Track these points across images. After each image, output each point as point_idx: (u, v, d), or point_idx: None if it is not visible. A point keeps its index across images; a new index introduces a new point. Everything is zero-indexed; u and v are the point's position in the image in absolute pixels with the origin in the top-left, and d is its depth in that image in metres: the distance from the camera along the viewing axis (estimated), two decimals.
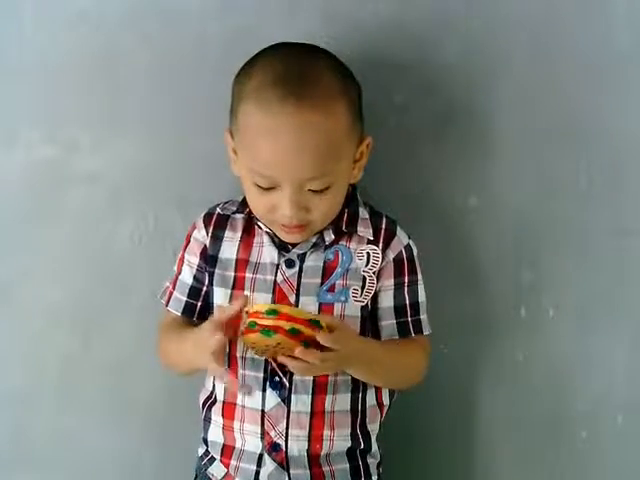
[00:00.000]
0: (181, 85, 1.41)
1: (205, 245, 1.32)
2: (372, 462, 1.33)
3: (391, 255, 1.30)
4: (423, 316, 1.32)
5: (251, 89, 1.20)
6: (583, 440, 1.51)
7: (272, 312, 1.14)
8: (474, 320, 1.48)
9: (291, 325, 1.13)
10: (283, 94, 1.17)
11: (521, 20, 1.40)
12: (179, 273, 1.35)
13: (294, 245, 1.28)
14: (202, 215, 1.34)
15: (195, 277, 1.33)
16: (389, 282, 1.30)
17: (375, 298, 1.30)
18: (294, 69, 1.19)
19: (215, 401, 1.31)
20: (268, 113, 1.18)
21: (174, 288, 1.35)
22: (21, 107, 1.42)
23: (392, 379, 1.32)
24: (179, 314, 1.34)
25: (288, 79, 1.18)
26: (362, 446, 1.31)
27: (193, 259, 1.33)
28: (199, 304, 1.34)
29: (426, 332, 1.32)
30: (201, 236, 1.33)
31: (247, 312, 1.16)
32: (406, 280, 1.30)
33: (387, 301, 1.30)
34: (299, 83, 1.18)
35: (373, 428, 1.32)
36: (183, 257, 1.35)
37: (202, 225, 1.33)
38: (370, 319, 1.30)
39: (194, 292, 1.34)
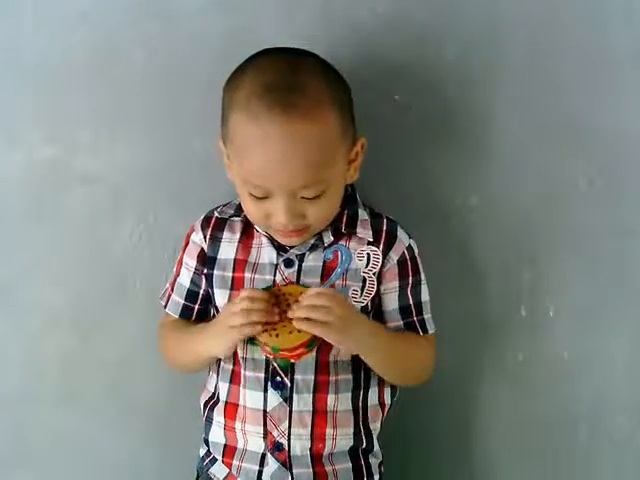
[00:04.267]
0: (181, 85, 1.41)
1: (202, 248, 1.32)
2: (374, 461, 1.33)
3: (394, 257, 1.30)
4: (427, 315, 1.32)
5: (239, 99, 1.20)
6: (583, 440, 1.51)
7: (268, 287, 1.23)
8: (474, 320, 1.48)
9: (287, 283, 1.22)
10: (270, 104, 1.16)
11: (521, 20, 1.40)
12: (177, 275, 1.35)
13: (292, 246, 1.28)
14: (200, 218, 1.34)
15: (192, 280, 1.34)
16: (394, 284, 1.30)
17: (380, 301, 1.30)
18: (281, 78, 1.19)
19: (217, 402, 1.31)
20: (256, 123, 1.17)
21: (172, 290, 1.36)
22: (21, 107, 1.42)
23: (402, 367, 1.31)
24: (177, 317, 1.35)
25: (275, 89, 1.17)
26: (364, 445, 1.31)
27: (191, 262, 1.33)
28: (196, 307, 1.35)
29: (431, 331, 1.33)
30: (199, 239, 1.33)
31: None
32: (410, 281, 1.31)
33: (392, 303, 1.31)
34: (286, 92, 1.17)
35: (375, 427, 1.33)
36: (182, 260, 1.35)
37: (200, 228, 1.33)
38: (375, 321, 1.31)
39: (191, 295, 1.34)
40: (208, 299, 1.33)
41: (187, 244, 1.34)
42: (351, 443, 1.30)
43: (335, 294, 1.21)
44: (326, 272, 1.27)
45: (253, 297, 1.20)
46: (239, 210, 1.31)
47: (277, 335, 1.18)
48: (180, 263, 1.35)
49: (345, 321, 1.19)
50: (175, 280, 1.35)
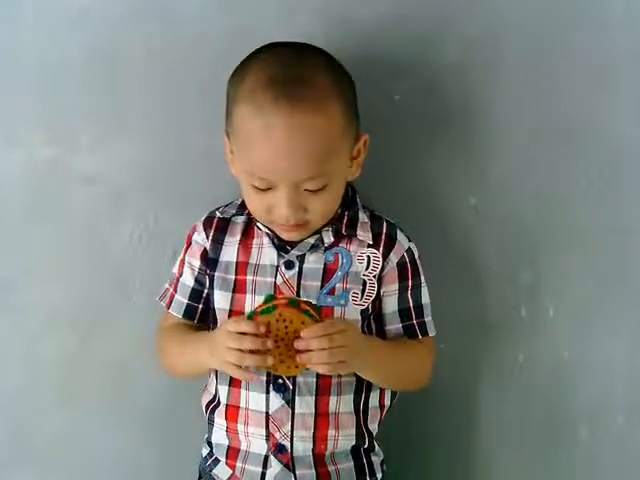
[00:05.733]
0: (181, 85, 1.41)
1: (205, 248, 1.32)
2: (376, 460, 1.34)
3: (394, 260, 1.29)
4: (428, 318, 1.32)
5: (245, 91, 1.20)
6: (583, 440, 1.51)
7: (270, 298, 1.19)
8: (474, 320, 1.48)
9: (290, 298, 1.19)
10: (276, 96, 1.16)
11: (521, 20, 1.40)
12: (180, 275, 1.35)
13: (293, 246, 1.28)
14: (202, 219, 1.34)
15: (197, 279, 1.33)
16: (393, 287, 1.30)
17: (380, 304, 1.30)
18: (287, 70, 1.19)
19: (218, 404, 1.31)
20: (261, 115, 1.17)
21: (175, 290, 1.35)
22: (21, 107, 1.42)
23: (400, 378, 1.32)
24: (180, 317, 1.34)
25: (281, 81, 1.17)
26: (366, 445, 1.32)
27: (195, 262, 1.33)
28: (200, 307, 1.34)
29: (431, 334, 1.32)
30: (201, 239, 1.32)
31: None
32: (410, 284, 1.31)
33: (392, 306, 1.31)
34: (292, 84, 1.17)
35: (373, 428, 1.33)
36: (184, 259, 1.34)
37: (202, 228, 1.33)
38: (376, 325, 1.31)
39: (195, 295, 1.34)
40: (210, 299, 1.33)
41: (189, 244, 1.34)
42: (353, 443, 1.30)
43: (342, 327, 1.18)
44: (327, 275, 1.27)
45: (246, 334, 1.16)
46: (241, 209, 1.31)
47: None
48: (182, 263, 1.34)
49: (353, 355, 1.19)
50: (178, 280, 1.35)
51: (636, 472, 1.51)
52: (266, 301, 1.19)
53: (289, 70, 1.19)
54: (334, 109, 1.20)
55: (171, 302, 1.35)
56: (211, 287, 1.31)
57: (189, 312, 1.34)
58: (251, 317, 1.18)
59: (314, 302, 1.24)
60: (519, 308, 1.47)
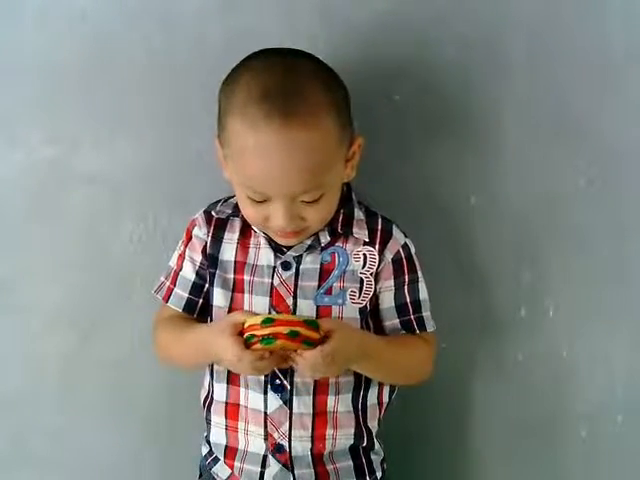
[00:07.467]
0: (181, 85, 1.41)
1: (206, 242, 1.31)
2: (376, 458, 1.34)
3: (389, 256, 1.29)
4: (426, 313, 1.32)
5: (236, 104, 1.18)
6: (583, 440, 1.51)
7: (268, 321, 1.16)
8: (474, 320, 1.48)
9: (289, 328, 1.15)
10: (268, 111, 1.14)
11: (520, 20, 1.40)
12: (180, 269, 1.34)
13: (289, 247, 1.28)
14: (201, 212, 1.33)
15: (197, 273, 1.33)
16: (389, 283, 1.30)
17: (377, 300, 1.30)
18: (279, 84, 1.16)
19: (212, 401, 1.31)
20: (254, 131, 1.15)
21: (174, 284, 1.34)
22: (21, 107, 1.42)
23: (399, 373, 1.32)
24: (180, 310, 1.34)
25: (273, 95, 1.15)
26: (365, 443, 1.32)
27: (196, 256, 1.32)
28: (200, 301, 1.33)
29: (430, 329, 1.32)
30: (202, 234, 1.32)
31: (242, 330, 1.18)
32: (406, 279, 1.30)
33: (388, 301, 1.30)
34: (284, 99, 1.15)
35: (373, 425, 1.33)
36: (184, 253, 1.34)
37: (203, 223, 1.32)
38: (373, 321, 1.31)
39: (196, 288, 1.33)
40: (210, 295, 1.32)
41: (189, 238, 1.33)
42: (351, 442, 1.30)
43: (329, 357, 1.17)
44: (324, 275, 1.27)
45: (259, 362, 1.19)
46: (236, 210, 1.30)
47: None
48: (182, 257, 1.34)
49: (340, 369, 1.22)
50: (177, 274, 1.34)
51: (635, 472, 1.51)
52: (264, 323, 1.16)
53: (281, 83, 1.17)
54: (328, 122, 1.18)
55: (169, 295, 1.34)
56: (211, 284, 1.31)
57: (189, 306, 1.34)
58: (251, 339, 1.16)
59: (313, 302, 1.26)
60: (519, 308, 1.47)
